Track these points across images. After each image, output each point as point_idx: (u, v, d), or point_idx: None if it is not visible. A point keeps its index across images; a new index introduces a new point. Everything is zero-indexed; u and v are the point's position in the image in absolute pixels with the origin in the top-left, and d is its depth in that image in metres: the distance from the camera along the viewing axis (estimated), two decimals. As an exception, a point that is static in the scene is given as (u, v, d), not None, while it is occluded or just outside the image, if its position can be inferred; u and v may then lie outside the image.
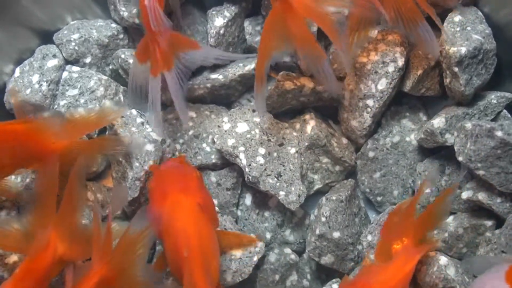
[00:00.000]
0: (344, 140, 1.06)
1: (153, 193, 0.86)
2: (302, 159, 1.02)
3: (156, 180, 0.88)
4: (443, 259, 0.95)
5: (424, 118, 1.07)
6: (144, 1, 0.89)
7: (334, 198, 1.00)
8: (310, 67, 0.91)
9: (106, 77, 1.06)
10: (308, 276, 1.03)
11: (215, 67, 1.04)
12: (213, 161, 1.04)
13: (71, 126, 0.90)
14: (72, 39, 1.06)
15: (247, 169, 0.97)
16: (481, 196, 0.95)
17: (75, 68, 1.05)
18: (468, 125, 0.93)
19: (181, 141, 1.03)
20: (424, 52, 1.00)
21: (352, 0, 0.87)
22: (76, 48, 1.06)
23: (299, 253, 1.04)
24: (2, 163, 0.85)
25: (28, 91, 1.01)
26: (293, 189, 0.97)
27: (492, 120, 0.99)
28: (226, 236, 0.97)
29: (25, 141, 0.85)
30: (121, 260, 0.80)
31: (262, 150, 0.99)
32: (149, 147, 0.96)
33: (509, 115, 0.99)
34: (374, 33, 1.02)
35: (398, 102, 1.08)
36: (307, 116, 1.04)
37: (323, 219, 0.98)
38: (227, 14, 1.04)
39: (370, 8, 0.88)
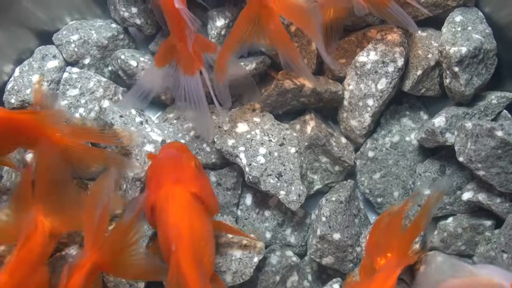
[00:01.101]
0: (343, 140, 1.06)
1: (149, 182, 0.86)
2: (302, 158, 1.02)
3: (152, 169, 0.88)
4: (440, 257, 0.95)
5: (425, 117, 1.08)
6: (174, 4, 0.88)
7: (333, 199, 1.00)
8: (286, 63, 0.91)
9: (105, 79, 1.06)
10: (309, 277, 1.03)
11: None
12: (213, 160, 1.04)
13: (79, 128, 0.91)
14: (71, 40, 1.06)
15: (247, 169, 0.97)
16: (481, 197, 0.96)
17: (75, 69, 1.05)
18: (469, 124, 0.93)
19: (182, 141, 1.03)
20: (404, 28, 1.00)
21: None
22: (76, 49, 1.06)
23: (301, 255, 1.04)
24: (5, 146, 0.86)
25: (28, 91, 1.01)
26: (293, 188, 0.97)
27: (493, 120, 0.99)
28: (227, 229, 0.96)
29: (30, 129, 0.85)
30: (113, 247, 0.80)
31: (262, 150, 0.99)
32: (149, 147, 0.96)
33: (510, 115, 0.99)
34: (373, 32, 1.03)
35: (398, 102, 1.08)
36: (307, 117, 1.04)
37: (324, 219, 0.98)
38: (228, 14, 1.04)
39: None
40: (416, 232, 0.91)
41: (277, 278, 0.99)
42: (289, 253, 1.01)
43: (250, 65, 1.01)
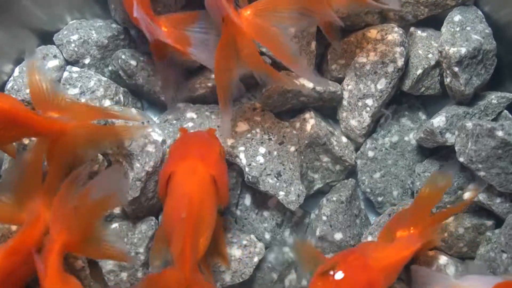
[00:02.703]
0: (344, 139, 1.06)
1: (173, 152, 0.90)
2: (302, 157, 1.02)
3: (179, 142, 0.91)
4: (442, 258, 0.95)
5: (424, 117, 1.08)
6: (133, 13, 0.88)
7: (334, 199, 1.00)
8: (265, 83, 0.93)
9: (105, 79, 1.06)
10: (308, 275, 1.03)
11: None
12: (213, 160, 1.04)
13: (84, 109, 0.90)
14: (72, 40, 1.06)
15: (247, 169, 0.97)
16: (482, 197, 0.96)
17: (75, 69, 1.05)
18: (469, 124, 0.93)
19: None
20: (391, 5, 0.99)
21: (302, 11, 0.85)
22: (76, 49, 1.06)
23: (300, 254, 1.04)
24: (8, 137, 0.87)
25: (28, 90, 1.01)
26: (292, 189, 0.97)
27: (493, 120, 0.99)
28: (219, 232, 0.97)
29: (35, 125, 0.85)
30: (80, 225, 0.82)
31: (262, 150, 0.99)
32: (150, 147, 0.96)
33: (510, 116, 0.99)
34: (373, 32, 1.03)
35: (397, 102, 1.08)
36: (307, 115, 1.04)
37: (324, 218, 0.98)
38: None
39: (322, 15, 0.88)
40: (443, 219, 0.93)
41: (275, 276, 0.99)
42: (285, 249, 1.01)
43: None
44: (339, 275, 0.80)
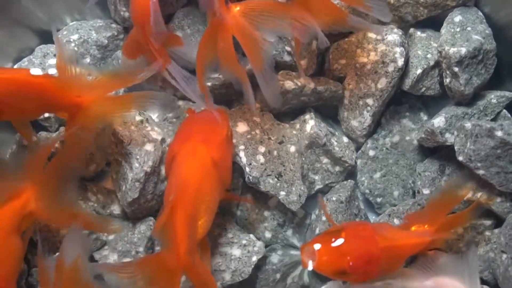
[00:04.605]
0: (345, 139, 1.06)
1: (179, 132, 0.90)
2: (303, 159, 1.02)
3: (186, 122, 0.92)
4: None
5: (425, 117, 1.08)
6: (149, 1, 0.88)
7: (334, 199, 1.00)
8: (228, 79, 0.93)
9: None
10: (309, 274, 1.03)
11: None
12: (213, 160, 1.04)
13: (99, 82, 0.89)
14: (71, 40, 1.06)
15: (247, 169, 0.96)
16: (482, 197, 0.96)
17: (75, 68, 1.05)
18: (468, 125, 0.93)
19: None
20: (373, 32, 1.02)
21: (292, 23, 0.85)
22: (76, 49, 1.06)
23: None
24: (26, 110, 0.86)
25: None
26: (293, 189, 0.97)
27: (492, 120, 0.99)
28: (236, 199, 0.99)
29: (49, 94, 0.85)
30: (47, 190, 0.84)
31: (262, 149, 0.99)
32: (149, 146, 0.96)
33: (509, 115, 0.99)
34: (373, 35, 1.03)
35: (398, 102, 1.08)
36: (307, 116, 1.04)
37: (324, 218, 0.98)
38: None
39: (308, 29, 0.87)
40: (459, 222, 0.93)
41: (278, 276, 0.99)
42: (293, 251, 1.01)
43: (249, 65, 1.01)
44: (339, 241, 0.80)
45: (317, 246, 0.81)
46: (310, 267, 0.81)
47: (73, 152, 0.87)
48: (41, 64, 1.03)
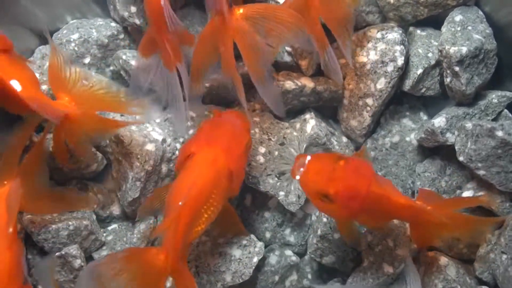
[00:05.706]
0: (345, 139, 1.06)
1: (199, 133, 0.87)
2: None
3: (210, 124, 0.88)
4: (443, 259, 0.95)
5: (425, 117, 1.08)
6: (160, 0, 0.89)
7: (334, 198, 1.00)
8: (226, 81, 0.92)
9: (106, 79, 1.06)
10: (309, 276, 1.03)
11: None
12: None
13: (91, 96, 0.90)
14: (71, 39, 1.06)
15: (247, 169, 0.97)
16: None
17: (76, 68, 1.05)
18: (469, 125, 0.93)
19: (181, 140, 1.03)
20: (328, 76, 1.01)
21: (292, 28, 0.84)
22: (76, 48, 1.06)
23: (301, 254, 1.04)
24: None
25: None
26: (292, 189, 0.97)
27: (493, 119, 0.99)
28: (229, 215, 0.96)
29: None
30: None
31: (262, 149, 0.99)
32: (150, 146, 0.96)
33: (510, 115, 0.99)
34: (373, 31, 1.03)
35: (398, 102, 1.08)
36: (307, 116, 1.03)
37: (325, 219, 0.98)
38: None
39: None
40: (460, 222, 0.89)
41: (276, 278, 0.99)
42: (288, 252, 1.01)
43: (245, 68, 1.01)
44: (335, 165, 0.79)
45: (309, 158, 0.80)
46: (298, 177, 0.80)
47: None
48: (40, 68, 1.03)
